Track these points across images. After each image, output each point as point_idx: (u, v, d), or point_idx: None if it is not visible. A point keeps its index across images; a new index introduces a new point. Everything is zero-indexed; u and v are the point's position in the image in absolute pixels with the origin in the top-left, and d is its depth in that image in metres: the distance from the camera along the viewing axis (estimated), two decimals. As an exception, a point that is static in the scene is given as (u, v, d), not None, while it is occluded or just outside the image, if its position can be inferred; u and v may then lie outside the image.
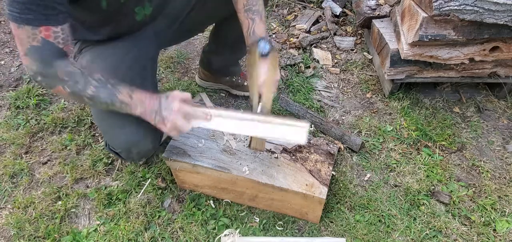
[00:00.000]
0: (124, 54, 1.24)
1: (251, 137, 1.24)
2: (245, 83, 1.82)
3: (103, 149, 1.62)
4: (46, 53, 0.98)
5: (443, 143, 1.68)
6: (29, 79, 1.96)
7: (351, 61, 2.15)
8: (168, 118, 1.03)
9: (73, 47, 1.09)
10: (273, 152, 1.36)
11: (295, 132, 1.13)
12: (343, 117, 1.82)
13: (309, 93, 1.92)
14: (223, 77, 1.84)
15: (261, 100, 1.17)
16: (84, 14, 1.15)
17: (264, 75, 1.16)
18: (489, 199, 1.48)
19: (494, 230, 1.39)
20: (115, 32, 1.23)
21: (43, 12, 0.93)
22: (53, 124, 1.72)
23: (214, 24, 1.63)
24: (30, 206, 1.43)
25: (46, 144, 1.66)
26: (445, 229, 1.38)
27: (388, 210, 1.44)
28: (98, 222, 1.39)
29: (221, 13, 1.45)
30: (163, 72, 2.03)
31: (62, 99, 1.86)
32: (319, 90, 1.96)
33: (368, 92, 1.95)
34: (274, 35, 2.34)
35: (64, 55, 1.01)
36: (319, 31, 2.34)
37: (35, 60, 0.98)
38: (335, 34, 2.31)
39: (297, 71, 2.06)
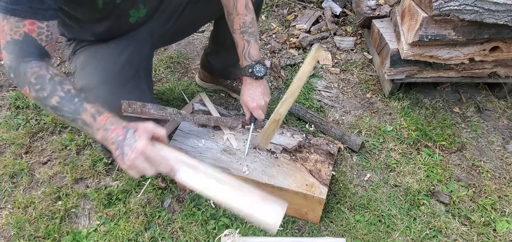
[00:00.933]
0: (118, 55, 1.23)
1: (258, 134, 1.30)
2: None
3: (101, 150, 1.62)
4: (25, 49, 0.93)
5: (443, 143, 1.68)
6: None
7: (351, 61, 2.15)
8: (128, 156, 0.88)
9: (56, 48, 1.06)
10: (273, 152, 1.36)
11: (270, 213, 0.93)
12: (343, 117, 1.82)
13: (309, 93, 1.92)
14: (223, 80, 1.84)
15: (259, 128, 1.28)
16: (79, 12, 1.13)
17: (257, 98, 1.27)
18: (489, 199, 1.48)
19: (494, 230, 1.39)
20: (108, 33, 1.23)
21: (31, 5, 0.90)
22: (53, 124, 1.72)
23: (213, 26, 1.63)
24: (30, 206, 1.43)
25: (46, 144, 1.66)
26: (445, 229, 1.38)
27: (388, 210, 1.44)
28: (98, 222, 1.39)
29: (214, 12, 1.45)
30: (163, 72, 2.03)
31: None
32: (319, 90, 1.96)
33: (368, 92, 1.95)
34: (274, 35, 2.34)
35: (45, 55, 0.96)
36: (319, 31, 2.34)
37: (11, 54, 0.93)
38: (335, 34, 2.31)
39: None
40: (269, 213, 0.92)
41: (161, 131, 0.94)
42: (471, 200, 1.48)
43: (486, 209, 1.44)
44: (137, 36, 1.30)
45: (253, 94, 1.29)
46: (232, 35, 1.30)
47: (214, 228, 1.37)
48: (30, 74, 0.92)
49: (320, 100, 1.90)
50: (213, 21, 1.63)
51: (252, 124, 1.33)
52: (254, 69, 1.26)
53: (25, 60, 0.93)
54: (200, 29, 2.35)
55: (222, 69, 1.78)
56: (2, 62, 2.10)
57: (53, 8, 0.94)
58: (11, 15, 0.89)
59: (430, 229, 1.38)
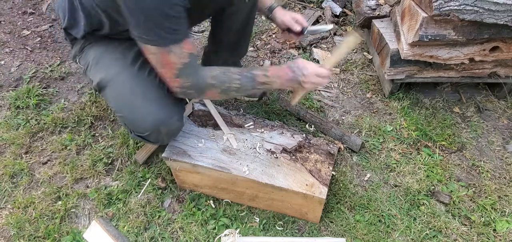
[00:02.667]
0: (131, 45, 1.23)
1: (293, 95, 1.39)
2: None
3: (103, 149, 1.62)
4: (194, 65, 1.07)
5: (443, 143, 1.68)
6: (29, 79, 1.95)
7: (351, 61, 2.15)
8: (308, 77, 1.18)
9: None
10: (273, 152, 1.36)
11: None
12: (343, 118, 1.82)
13: (309, 93, 1.91)
14: None
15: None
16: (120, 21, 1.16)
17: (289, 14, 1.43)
18: (489, 199, 1.48)
19: (494, 230, 1.39)
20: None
21: (183, 27, 1.01)
22: (53, 124, 1.72)
23: (211, 26, 1.63)
24: (30, 206, 1.43)
25: (46, 144, 1.66)
26: (445, 229, 1.38)
27: (388, 210, 1.44)
28: (98, 222, 1.39)
29: (215, 7, 1.46)
30: (163, 72, 2.03)
31: (62, 99, 1.86)
32: (319, 90, 1.96)
33: (368, 92, 1.95)
34: (274, 35, 2.34)
35: (198, 57, 1.09)
36: (319, 31, 2.34)
37: (188, 76, 1.08)
38: (335, 34, 2.31)
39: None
40: None
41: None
42: (471, 200, 1.48)
43: (486, 209, 1.44)
44: None
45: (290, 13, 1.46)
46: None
47: (214, 228, 1.37)
48: (209, 80, 1.12)
49: (320, 101, 1.90)
50: (210, 23, 1.63)
51: (308, 27, 1.46)
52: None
53: (198, 74, 1.11)
54: (200, 29, 2.35)
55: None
56: (2, 62, 2.10)
57: (185, 17, 1.01)
58: (174, 44, 1.00)
59: (430, 229, 1.38)
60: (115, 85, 1.22)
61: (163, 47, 0.99)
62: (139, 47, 1.24)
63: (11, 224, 1.37)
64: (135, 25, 0.98)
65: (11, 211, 1.43)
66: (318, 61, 2.13)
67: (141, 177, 1.52)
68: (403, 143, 1.68)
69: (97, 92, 1.82)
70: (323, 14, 2.47)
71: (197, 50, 1.11)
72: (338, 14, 2.43)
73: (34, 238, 1.34)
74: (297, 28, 1.45)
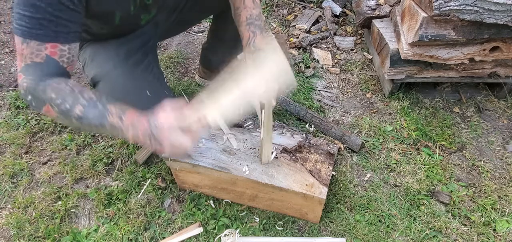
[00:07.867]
0: (126, 43, 1.25)
1: (261, 151, 1.28)
2: None
3: (103, 149, 1.62)
4: (46, 70, 0.92)
5: (443, 143, 1.68)
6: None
7: (351, 61, 2.15)
8: (162, 139, 0.87)
9: (76, 64, 1.05)
10: (272, 152, 1.36)
11: (282, 77, 0.96)
12: (343, 118, 1.82)
13: (309, 93, 1.91)
14: None
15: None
16: (96, 27, 1.16)
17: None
18: (489, 199, 1.48)
19: (494, 230, 1.39)
20: (118, 35, 1.25)
21: (54, 29, 0.90)
22: (53, 124, 1.72)
23: (212, 22, 1.64)
24: (30, 206, 1.43)
25: (46, 144, 1.66)
26: (445, 229, 1.38)
27: (388, 210, 1.44)
28: (98, 222, 1.39)
29: (215, 6, 1.47)
30: (163, 73, 2.03)
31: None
32: (319, 90, 1.96)
33: (368, 92, 1.95)
34: (273, 35, 2.34)
35: (64, 75, 0.96)
36: (319, 31, 2.34)
37: (30, 76, 0.91)
38: (335, 34, 2.31)
39: (297, 71, 2.06)
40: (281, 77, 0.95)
41: (178, 104, 0.91)
42: (471, 200, 1.48)
43: (486, 209, 1.44)
44: (143, 29, 1.32)
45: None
46: (238, 29, 1.22)
47: (214, 228, 1.37)
48: (49, 90, 0.91)
49: (320, 100, 1.90)
50: (212, 18, 1.64)
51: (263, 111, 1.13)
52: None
53: (43, 79, 0.91)
54: (200, 29, 2.35)
55: (221, 65, 1.78)
56: (2, 62, 2.10)
57: (75, 32, 0.95)
58: (32, 39, 0.88)
59: (430, 229, 1.38)
60: (107, 80, 1.22)
61: (21, 37, 0.89)
62: (133, 45, 1.25)
63: (11, 224, 1.37)
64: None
65: (11, 211, 1.43)
66: (318, 61, 2.13)
67: (141, 177, 1.52)
68: (403, 143, 1.68)
69: (92, 88, 1.84)
70: (323, 14, 2.47)
71: (72, 67, 0.98)
72: (338, 14, 2.43)
73: (34, 238, 1.34)
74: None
